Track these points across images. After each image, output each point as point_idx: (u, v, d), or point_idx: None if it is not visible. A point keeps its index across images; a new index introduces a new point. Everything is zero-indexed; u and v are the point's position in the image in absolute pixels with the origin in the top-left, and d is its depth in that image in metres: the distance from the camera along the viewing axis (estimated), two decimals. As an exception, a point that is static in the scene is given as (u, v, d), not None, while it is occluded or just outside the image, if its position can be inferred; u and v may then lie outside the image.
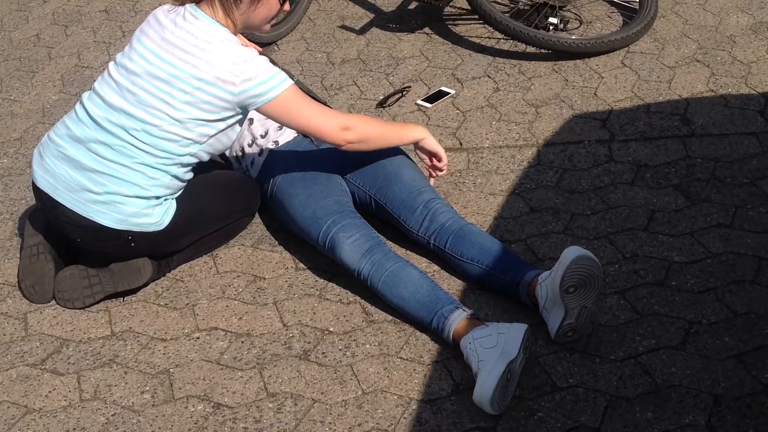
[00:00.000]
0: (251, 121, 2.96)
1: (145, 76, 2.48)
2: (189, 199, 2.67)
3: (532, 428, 2.14)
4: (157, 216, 2.57)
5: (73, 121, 2.56)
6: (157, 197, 2.56)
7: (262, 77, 2.47)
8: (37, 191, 2.61)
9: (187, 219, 2.65)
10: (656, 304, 2.47)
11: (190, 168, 2.62)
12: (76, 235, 2.60)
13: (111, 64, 2.57)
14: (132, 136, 2.49)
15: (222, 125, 2.54)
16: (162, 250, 2.70)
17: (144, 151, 2.50)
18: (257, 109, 2.53)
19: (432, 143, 2.76)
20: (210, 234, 2.78)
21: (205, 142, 2.55)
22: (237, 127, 2.61)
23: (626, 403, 2.19)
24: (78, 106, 2.58)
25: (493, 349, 2.20)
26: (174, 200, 2.64)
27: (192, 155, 2.56)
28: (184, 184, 2.65)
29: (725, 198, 2.84)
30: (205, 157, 2.62)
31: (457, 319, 2.34)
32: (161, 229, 2.59)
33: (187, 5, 2.53)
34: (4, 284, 2.80)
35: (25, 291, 2.70)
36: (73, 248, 2.69)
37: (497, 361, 2.16)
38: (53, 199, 2.55)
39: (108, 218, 2.52)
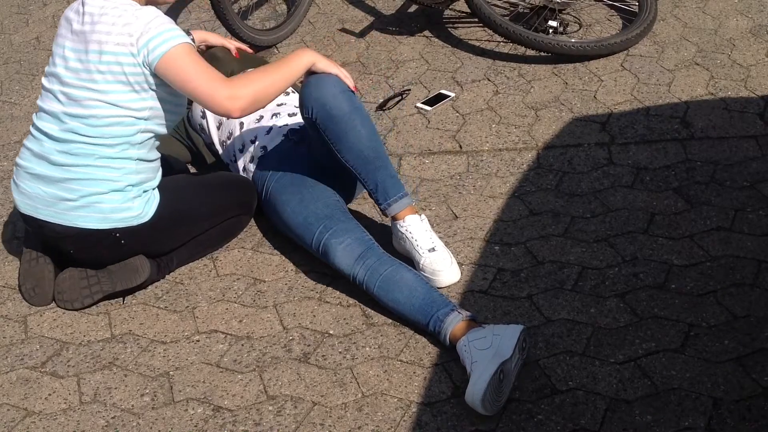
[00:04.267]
0: (241, 125, 2.96)
1: (67, 72, 2.51)
2: (173, 190, 2.68)
3: (532, 431, 2.14)
4: (139, 208, 2.58)
5: (31, 141, 2.61)
6: (133, 186, 2.57)
7: (154, 31, 2.44)
8: (23, 217, 2.66)
9: (172, 211, 2.65)
10: (656, 307, 2.47)
11: (149, 145, 2.60)
12: (68, 246, 2.62)
13: (43, 78, 2.61)
14: (81, 135, 2.51)
15: (153, 93, 2.52)
16: (155, 246, 2.70)
17: (98, 145, 2.51)
18: (157, 73, 2.46)
19: (324, 66, 2.61)
20: (206, 232, 2.78)
21: (150, 116, 2.55)
22: (173, 91, 2.55)
23: (626, 406, 2.19)
24: (32, 127, 2.62)
25: (487, 350, 2.21)
26: (155, 191, 2.65)
27: (144, 131, 2.55)
28: (154, 164, 2.64)
29: (725, 201, 2.84)
30: (162, 130, 2.61)
31: (453, 322, 2.34)
32: (146, 221, 2.60)
33: None
34: (4, 287, 2.80)
35: (25, 294, 2.71)
36: (72, 261, 2.70)
37: (490, 361, 2.17)
38: (37, 219, 2.60)
39: (90, 220, 2.55)
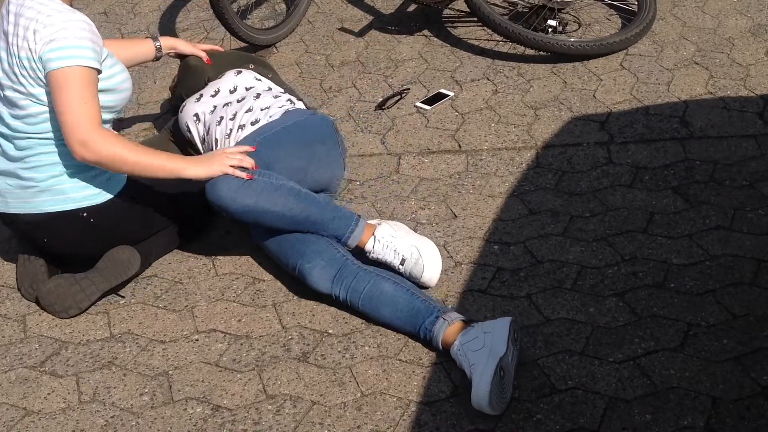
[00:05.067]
0: (216, 142, 2.91)
1: (2, 75, 2.52)
2: None
3: (531, 430, 2.14)
4: (100, 184, 2.59)
5: None
6: (85, 165, 2.54)
7: (59, 43, 2.40)
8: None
9: (137, 185, 2.65)
10: (655, 306, 2.47)
11: None
12: (41, 235, 2.64)
13: None
14: (26, 132, 2.53)
15: None
16: (128, 226, 2.68)
17: (43, 138, 2.53)
18: (47, 81, 2.42)
19: (204, 174, 2.48)
20: (175, 218, 2.79)
21: None
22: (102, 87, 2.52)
23: (625, 405, 2.19)
24: None
25: (482, 350, 2.21)
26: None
27: None
28: None
29: (724, 200, 2.84)
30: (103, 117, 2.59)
31: (442, 329, 2.34)
32: (111, 197, 2.60)
33: None
34: (2, 286, 2.80)
35: (24, 294, 2.71)
36: (56, 257, 2.71)
37: (487, 361, 2.17)
38: (9, 214, 2.62)
39: (55, 203, 2.57)
